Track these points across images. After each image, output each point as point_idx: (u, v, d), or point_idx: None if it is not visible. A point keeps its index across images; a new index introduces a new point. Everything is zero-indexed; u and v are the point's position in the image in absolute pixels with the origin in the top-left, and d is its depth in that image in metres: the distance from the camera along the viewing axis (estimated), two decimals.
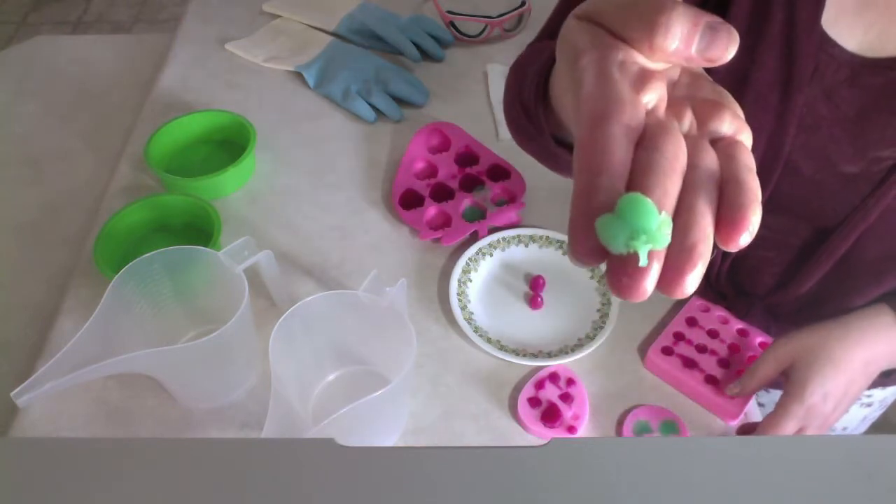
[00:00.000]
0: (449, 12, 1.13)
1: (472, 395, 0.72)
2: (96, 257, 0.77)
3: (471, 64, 1.11)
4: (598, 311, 0.78)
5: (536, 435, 0.69)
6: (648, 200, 0.26)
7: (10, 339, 0.84)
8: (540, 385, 0.71)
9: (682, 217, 0.28)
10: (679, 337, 0.74)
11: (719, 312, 0.76)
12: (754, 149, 0.62)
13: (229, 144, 0.96)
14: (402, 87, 1.02)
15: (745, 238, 0.28)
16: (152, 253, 0.66)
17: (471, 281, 0.80)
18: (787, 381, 0.66)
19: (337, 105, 1.04)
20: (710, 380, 0.71)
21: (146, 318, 0.69)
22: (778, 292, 0.73)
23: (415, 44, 1.10)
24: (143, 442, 0.45)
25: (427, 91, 1.04)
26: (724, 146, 0.30)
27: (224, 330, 0.61)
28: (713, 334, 0.74)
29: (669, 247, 0.27)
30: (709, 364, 0.72)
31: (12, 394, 0.55)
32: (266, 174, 0.94)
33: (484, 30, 1.13)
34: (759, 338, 0.74)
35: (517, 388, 0.72)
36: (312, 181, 0.93)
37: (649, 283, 0.27)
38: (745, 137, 0.31)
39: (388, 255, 0.84)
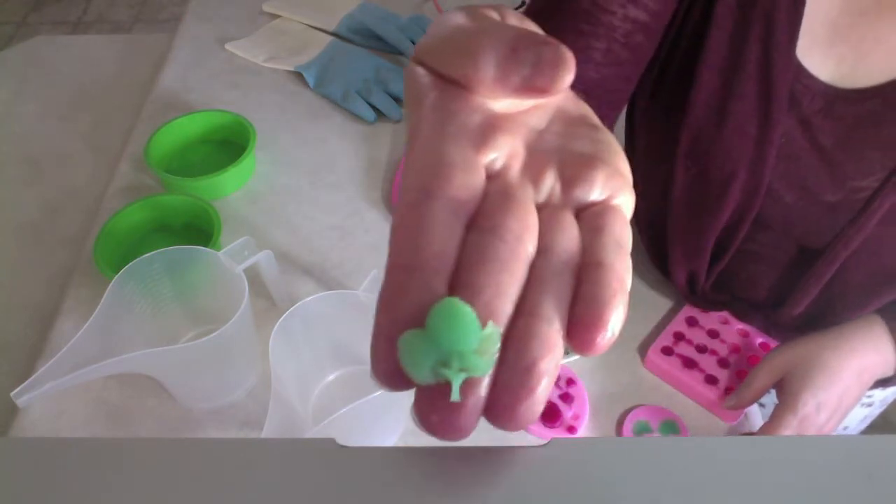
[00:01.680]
0: None
1: None
2: (96, 257, 0.77)
3: None
4: None
5: (536, 435, 0.69)
6: (467, 309, 0.20)
7: (10, 339, 0.84)
8: None
9: (520, 324, 0.21)
10: (679, 337, 0.74)
11: (719, 312, 0.76)
12: (735, 178, 0.62)
13: (229, 144, 0.96)
14: (402, 86, 1.02)
15: (602, 340, 0.22)
16: (152, 253, 0.66)
17: None
18: (781, 392, 0.66)
19: (337, 105, 1.04)
20: (710, 380, 0.71)
21: (146, 318, 0.69)
22: (774, 310, 0.74)
23: (415, 44, 1.09)
24: (143, 442, 0.45)
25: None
26: (591, 216, 0.24)
27: (224, 330, 0.61)
28: (713, 334, 0.74)
29: (500, 365, 0.21)
30: (709, 364, 0.72)
31: (12, 394, 0.55)
32: (266, 174, 0.94)
33: None
34: (759, 338, 0.74)
35: None
36: (312, 181, 0.93)
37: (467, 420, 0.21)
38: (624, 200, 0.25)
39: None
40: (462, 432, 0.21)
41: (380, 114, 1.01)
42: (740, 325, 0.75)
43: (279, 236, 0.86)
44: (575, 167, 0.25)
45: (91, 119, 1.10)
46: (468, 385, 0.20)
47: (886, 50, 0.57)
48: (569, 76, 0.23)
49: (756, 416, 0.71)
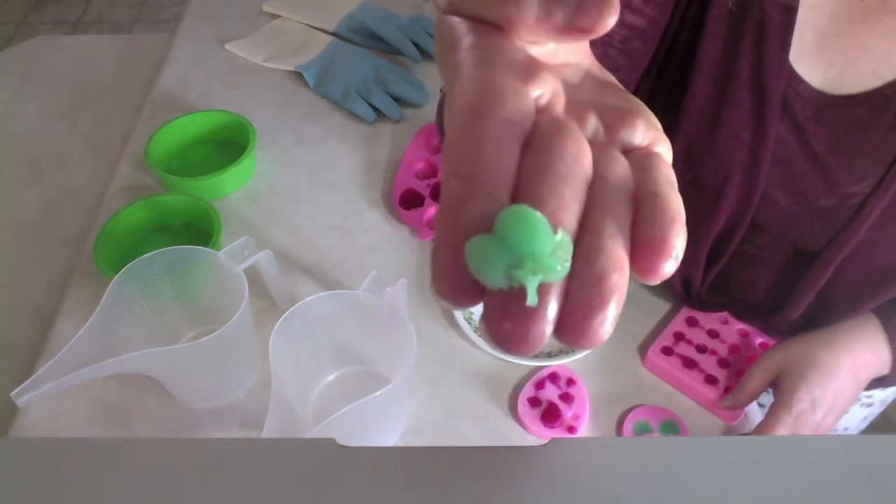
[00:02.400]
0: None
1: (472, 395, 0.72)
2: (96, 257, 0.77)
3: None
4: None
5: (536, 435, 0.69)
6: (538, 215, 0.19)
7: (10, 339, 0.84)
8: (540, 385, 0.71)
9: (586, 240, 0.21)
10: (679, 337, 0.74)
11: (721, 314, 0.76)
12: (730, 183, 0.62)
13: (229, 144, 0.96)
14: (402, 87, 1.02)
15: (668, 266, 0.21)
16: (152, 253, 0.66)
17: None
18: (776, 391, 0.66)
19: (337, 105, 1.04)
20: (710, 380, 0.71)
21: (146, 318, 0.69)
22: (772, 315, 0.74)
23: (415, 44, 1.09)
24: (143, 442, 0.45)
25: (427, 91, 1.04)
26: (638, 157, 0.24)
27: (224, 330, 0.61)
28: (713, 334, 0.75)
29: (571, 279, 0.20)
30: (709, 364, 0.72)
31: (12, 394, 0.55)
32: (266, 174, 0.94)
33: None
34: (759, 338, 0.74)
35: (517, 388, 0.72)
36: (312, 181, 0.93)
37: (540, 329, 0.20)
38: (664, 150, 0.25)
39: (388, 255, 0.84)
40: (535, 343, 0.20)
41: (380, 114, 1.01)
42: (740, 325, 0.75)
43: (279, 236, 0.86)
44: (614, 115, 0.25)
45: (91, 119, 1.10)
46: (543, 290, 0.19)
47: (874, 57, 0.57)
48: (613, 17, 0.23)
49: (756, 416, 0.71)
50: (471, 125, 0.21)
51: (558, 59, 0.26)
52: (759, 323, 0.76)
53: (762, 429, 0.65)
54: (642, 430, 0.69)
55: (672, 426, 0.69)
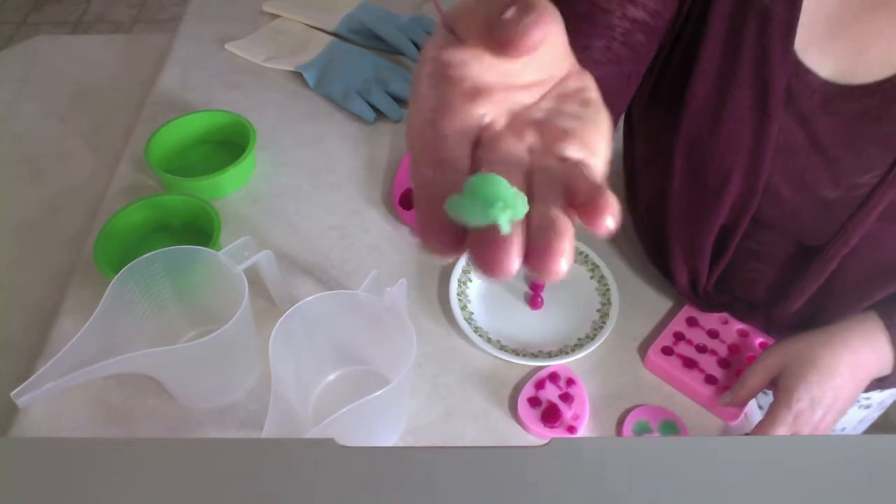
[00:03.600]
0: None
1: (472, 395, 0.72)
2: (96, 257, 0.77)
3: None
4: (598, 311, 0.78)
5: (536, 435, 0.69)
6: (498, 175, 0.26)
7: (10, 339, 0.84)
8: (540, 385, 0.71)
9: (534, 206, 0.27)
10: (679, 337, 0.74)
11: (720, 313, 0.76)
12: (732, 176, 0.63)
13: (229, 144, 0.96)
14: (402, 87, 1.02)
15: (609, 221, 0.27)
16: (152, 253, 0.66)
17: (471, 281, 0.80)
18: (776, 389, 0.66)
19: (337, 105, 1.04)
20: (710, 380, 0.71)
21: (146, 318, 0.69)
22: (773, 307, 0.74)
23: (415, 44, 1.09)
24: (143, 442, 0.45)
25: None
26: (570, 164, 0.29)
27: (224, 330, 0.61)
28: (713, 334, 0.75)
29: (530, 224, 0.26)
30: (709, 364, 0.72)
31: (12, 394, 0.55)
32: (266, 174, 0.94)
33: None
34: (759, 338, 0.74)
35: (517, 388, 0.72)
36: (312, 181, 0.93)
37: (515, 253, 0.25)
38: (596, 162, 0.29)
39: (388, 255, 0.84)
40: (510, 267, 0.25)
41: (380, 114, 1.01)
42: (740, 325, 0.75)
43: (279, 236, 0.86)
44: (553, 133, 0.29)
45: (91, 119, 1.10)
46: (513, 225, 0.25)
47: (886, 45, 0.57)
48: (533, 39, 0.26)
49: (756, 416, 0.71)
50: (430, 126, 0.28)
51: (524, 79, 0.30)
52: (760, 320, 0.76)
53: (762, 428, 0.65)
54: (642, 430, 0.69)
55: (672, 426, 0.69)
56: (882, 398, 0.86)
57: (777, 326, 0.76)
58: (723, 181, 0.64)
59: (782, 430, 0.64)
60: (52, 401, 0.71)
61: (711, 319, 0.76)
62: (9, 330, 0.85)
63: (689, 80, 0.62)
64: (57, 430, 0.69)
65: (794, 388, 0.64)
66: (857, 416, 0.89)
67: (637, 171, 0.78)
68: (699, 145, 0.64)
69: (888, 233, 0.62)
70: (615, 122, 0.68)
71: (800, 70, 0.59)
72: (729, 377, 0.71)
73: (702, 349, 0.73)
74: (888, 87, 0.57)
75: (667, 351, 0.73)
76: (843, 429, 0.91)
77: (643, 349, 0.75)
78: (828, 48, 0.58)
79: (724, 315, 0.76)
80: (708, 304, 0.77)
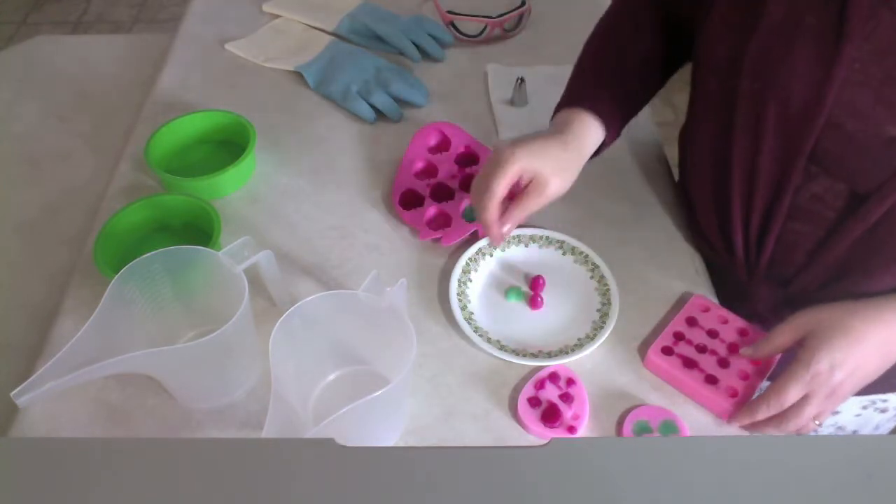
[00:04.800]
0: (449, 12, 1.13)
1: (472, 395, 0.72)
2: (96, 257, 0.77)
3: (471, 64, 1.11)
4: (598, 311, 0.78)
5: (536, 435, 0.69)
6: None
7: (10, 339, 0.84)
8: (540, 385, 0.71)
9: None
10: (679, 337, 0.74)
11: (719, 312, 0.76)
12: (797, 98, 0.65)
13: (229, 144, 0.96)
14: (403, 87, 1.02)
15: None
16: (152, 253, 0.66)
17: (471, 281, 0.80)
18: (799, 349, 0.66)
19: (337, 105, 1.04)
20: (710, 380, 0.71)
21: (146, 318, 0.69)
22: (805, 268, 0.73)
23: (415, 44, 1.10)
24: (143, 442, 0.45)
25: (427, 91, 1.04)
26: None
27: (224, 330, 0.61)
28: (713, 334, 0.74)
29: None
30: (709, 364, 0.72)
31: (12, 394, 0.55)
32: (266, 174, 0.94)
33: (484, 30, 1.13)
34: (759, 338, 0.74)
35: (517, 388, 0.72)
36: (312, 181, 0.93)
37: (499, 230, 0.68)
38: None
39: (388, 255, 0.84)
40: (500, 237, 0.72)
41: (380, 114, 1.01)
42: (740, 325, 0.75)
43: (279, 236, 0.86)
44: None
45: (91, 119, 1.10)
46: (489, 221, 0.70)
47: None
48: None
49: None
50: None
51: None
52: (783, 296, 0.76)
53: (777, 384, 0.65)
54: (642, 430, 0.69)
55: (672, 426, 0.69)
56: None
57: (797, 302, 0.75)
58: (785, 104, 0.64)
59: (796, 388, 0.64)
60: (52, 401, 0.71)
61: (711, 319, 0.76)
62: (9, 330, 0.85)
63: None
64: (57, 430, 0.69)
65: (817, 348, 0.64)
66: (874, 421, 0.88)
67: (696, 114, 0.80)
68: (768, 64, 0.64)
69: None
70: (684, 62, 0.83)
71: (894, 1, 0.58)
72: (729, 377, 0.71)
73: (702, 349, 0.73)
74: None
75: (667, 351, 0.73)
76: (855, 431, 0.91)
77: (643, 349, 0.75)
78: None
79: (725, 315, 0.76)
80: (748, 271, 0.77)
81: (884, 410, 0.86)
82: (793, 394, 0.64)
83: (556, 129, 0.76)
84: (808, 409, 0.65)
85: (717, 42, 0.71)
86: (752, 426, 0.68)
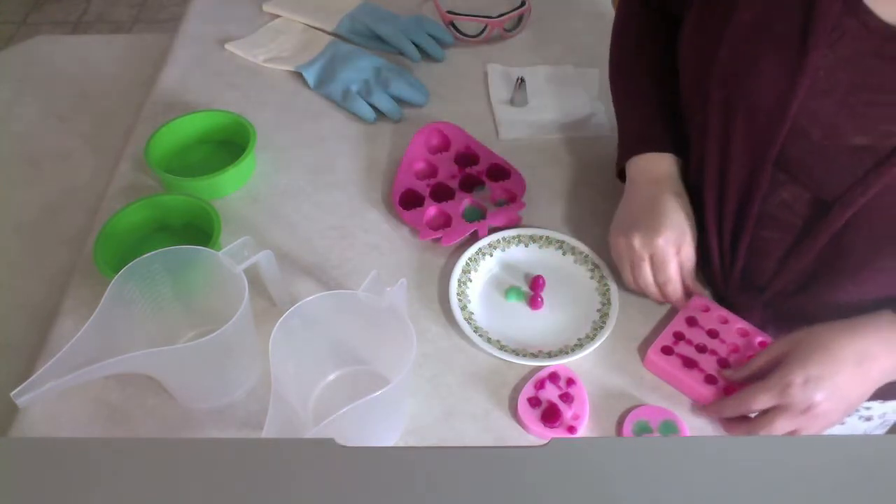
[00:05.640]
0: (449, 12, 1.13)
1: (472, 395, 0.72)
2: (96, 257, 0.77)
3: (471, 64, 1.11)
4: (598, 310, 0.78)
5: (536, 435, 0.69)
6: None
7: (10, 339, 0.84)
8: (540, 385, 0.71)
9: None
10: (679, 337, 0.74)
11: (719, 312, 0.76)
12: (762, 102, 0.65)
13: (229, 144, 0.96)
14: (403, 87, 1.02)
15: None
16: (152, 253, 0.66)
17: (471, 281, 0.80)
18: (777, 365, 0.67)
19: (337, 105, 1.04)
20: (710, 380, 0.71)
21: (146, 318, 0.69)
22: (777, 275, 0.74)
23: (415, 44, 1.10)
24: (143, 442, 0.45)
25: (427, 91, 1.04)
26: None
27: (224, 330, 0.61)
28: (713, 334, 0.74)
29: None
30: (709, 364, 0.72)
31: (12, 394, 0.55)
32: (266, 174, 0.94)
33: (484, 30, 1.13)
34: (759, 337, 0.74)
35: (517, 388, 0.72)
36: (312, 181, 0.93)
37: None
38: None
39: (388, 255, 0.84)
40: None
41: (380, 114, 1.01)
42: (740, 325, 0.75)
43: (279, 236, 0.86)
44: None
45: (91, 119, 1.10)
46: None
47: None
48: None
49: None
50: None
51: None
52: (762, 303, 0.76)
53: (748, 389, 0.66)
54: (642, 430, 0.69)
55: (672, 426, 0.69)
56: (884, 411, 0.85)
57: (776, 309, 0.76)
58: (752, 114, 0.64)
59: (764, 396, 0.65)
60: (52, 401, 0.71)
61: (711, 319, 0.76)
62: (9, 330, 0.85)
63: (735, 4, 0.63)
64: (57, 430, 0.69)
65: (792, 362, 0.65)
66: (860, 429, 0.88)
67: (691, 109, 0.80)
68: (736, 69, 0.65)
69: None
70: None
71: (860, 10, 0.58)
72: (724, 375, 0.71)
73: (702, 349, 0.73)
74: None
75: (667, 351, 0.73)
76: None
77: (643, 349, 0.75)
78: None
79: (725, 315, 0.76)
80: (722, 280, 0.77)
81: (868, 419, 0.86)
82: (760, 400, 0.65)
83: (651, 184, 0.78)
84: (779, 421, 0.65)
85: (690, 48, 0.72)
86: (726, 426, 0.70)
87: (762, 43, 0.63)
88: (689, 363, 0.72)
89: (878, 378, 0.66)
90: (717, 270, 0.78)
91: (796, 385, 0.63)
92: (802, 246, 0.69)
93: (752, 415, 0.68)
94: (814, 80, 0.61)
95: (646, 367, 0.74)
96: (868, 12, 0.58)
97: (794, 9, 0.60)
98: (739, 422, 0.68)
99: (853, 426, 0.87)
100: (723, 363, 0.72)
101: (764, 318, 0.77)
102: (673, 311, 0.78)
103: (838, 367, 0.64)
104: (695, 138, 0.76)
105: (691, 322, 0.76)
